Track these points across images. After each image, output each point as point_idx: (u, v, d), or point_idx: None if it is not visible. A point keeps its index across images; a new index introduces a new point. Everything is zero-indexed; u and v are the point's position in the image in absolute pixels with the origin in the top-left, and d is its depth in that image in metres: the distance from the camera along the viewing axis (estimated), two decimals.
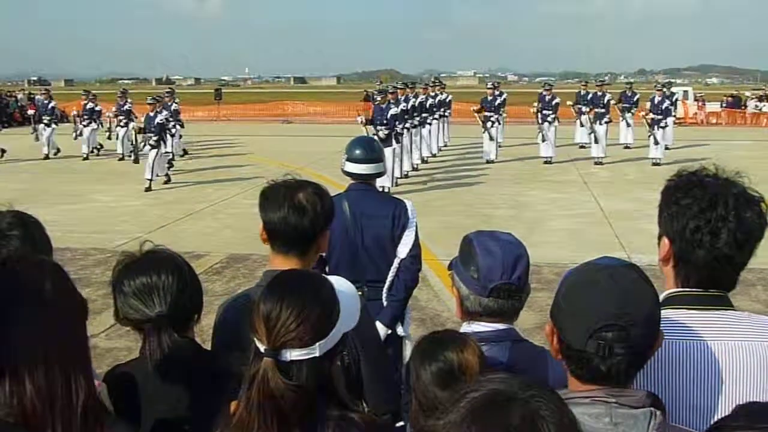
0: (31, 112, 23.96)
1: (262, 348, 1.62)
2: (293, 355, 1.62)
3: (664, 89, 21.23)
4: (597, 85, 22.74)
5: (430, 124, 20.70)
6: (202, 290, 2.19)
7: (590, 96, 22.43)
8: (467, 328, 2.24)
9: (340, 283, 1.80)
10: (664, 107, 20.49)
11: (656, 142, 19.78)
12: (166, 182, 16.82)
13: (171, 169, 17.80)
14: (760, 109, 36.01)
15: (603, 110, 21.04)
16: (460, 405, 1.09)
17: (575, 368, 1.59)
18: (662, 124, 20.19)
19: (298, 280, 1.77)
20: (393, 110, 15.83)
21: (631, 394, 1.55)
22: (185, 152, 22.18)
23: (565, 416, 1.10)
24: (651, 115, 20.31)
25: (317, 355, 1.64)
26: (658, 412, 1.53)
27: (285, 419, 1.60)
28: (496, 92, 21.41)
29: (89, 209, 13.77)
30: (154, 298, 2.03)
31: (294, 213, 2.40)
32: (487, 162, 20.26)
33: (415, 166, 18.90)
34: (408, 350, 4.31)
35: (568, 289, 1.60)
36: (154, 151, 16.42)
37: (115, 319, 2.12)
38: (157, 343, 1.98)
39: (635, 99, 23.17)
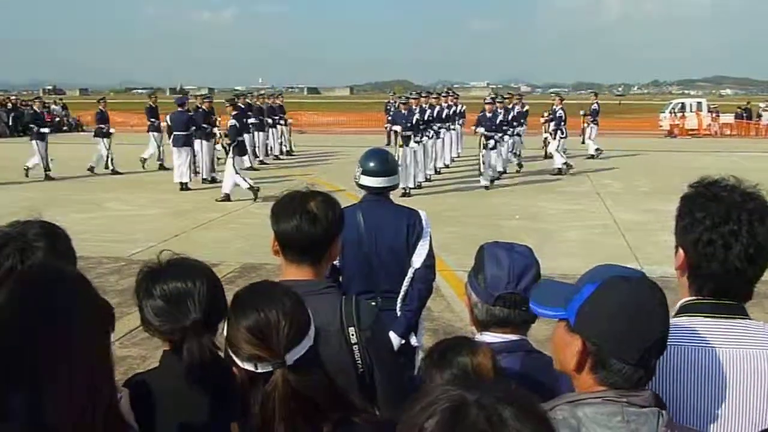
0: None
1: (266, 367, 1.61)
2: (298, 352, 1.62)
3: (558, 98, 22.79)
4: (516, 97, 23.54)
5: (443, 135, 20.71)
6: (226, 299, 2.19)
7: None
8: (479, 338, 2.27)
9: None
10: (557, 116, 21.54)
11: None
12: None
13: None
14: None
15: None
16: (426, 414, 1.09)
17: (614, 379, 1.59)
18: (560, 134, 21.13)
19: (255, 289, 1.79)
20: (417, 116, 17.55)
21: (639, 393, 1.59)
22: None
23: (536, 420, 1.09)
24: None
25: (312, 343, 1.66)
26: (664, 412, 1.58)
27: (314, 417, 1.61)
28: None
29: (104, 217, 13.84)
30: (189, 305, 2.01)
31: (307, 221, 2.42)
32: (500, 173, 20.26)
33: (429, 176, 18.93)
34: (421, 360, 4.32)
35: (617, 310, 1.58)
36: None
37: (144, 328, 2.11)
38: (198, 348, 1.94)
39: (598, 110, 25.35)
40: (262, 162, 22.94)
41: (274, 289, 1.76)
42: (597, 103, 26.11)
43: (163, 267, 2.10)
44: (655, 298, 1.59)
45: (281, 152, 25.28)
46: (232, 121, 16.66)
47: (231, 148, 16.26)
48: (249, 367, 1.61)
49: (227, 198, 15.80)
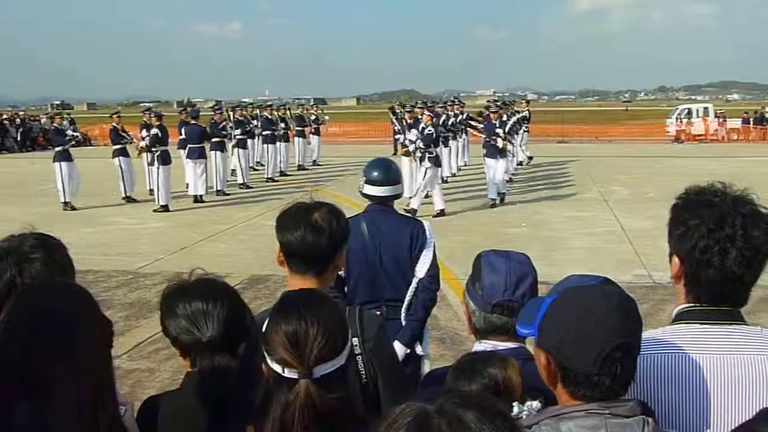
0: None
1: (292, 373, 1.62)
2: (325, 369, 1.64)
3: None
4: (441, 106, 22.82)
5: (449, 143, 20.73)
6: (249, 320, 2.20)
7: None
8: (478, 346, 2.27)
9: None
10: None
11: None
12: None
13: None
14: None
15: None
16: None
17: (583, 391, 1.60)
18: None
19: (305, 297, 1.80)
20: (429, 129, 15.78)
21: (622, 404, 1.58)
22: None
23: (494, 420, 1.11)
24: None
25: (343, 363, 1.68)
26: (650, 420, 1.57)
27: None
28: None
29: (111, 231, 13.90)
30: (207, 323, 2.05)
31: (311, 233, 2.42)
32: (507, 181, 20.24)
33: None
34: (427, 369, 4.32)
35: (569, 320, 1.60)
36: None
37: (168, 338, 2.16)
38: (210, 366, 2.01)
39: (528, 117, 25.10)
40: (283, 173, 22.72)
41: (324, 302, 1.77)
42: (528, 110, 25.79)
43: (186, 285, 2.14)
44: (609, 304, 1.58)
45: (313, 163, 25.35)
46: (155, 131, 17.10)
47: (155, 158, 16.68)
48: (277, 368, 1.64)
49: (166, 208, 16.27)
